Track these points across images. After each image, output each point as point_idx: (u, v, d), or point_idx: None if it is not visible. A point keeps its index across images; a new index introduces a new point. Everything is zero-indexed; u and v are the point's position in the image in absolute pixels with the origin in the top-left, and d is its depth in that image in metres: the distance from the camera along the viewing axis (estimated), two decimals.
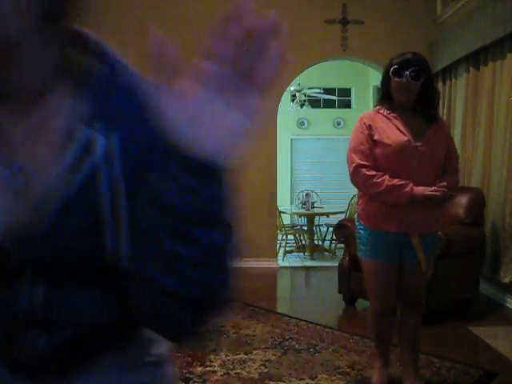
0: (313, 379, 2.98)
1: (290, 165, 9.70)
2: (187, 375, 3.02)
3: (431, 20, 6.03)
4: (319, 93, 8.60)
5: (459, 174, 2.72)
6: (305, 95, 8.62)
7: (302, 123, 9.76)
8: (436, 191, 2.42)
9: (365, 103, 9.16)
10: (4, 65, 0.58)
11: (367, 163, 2.47)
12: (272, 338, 3.67)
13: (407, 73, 2.39)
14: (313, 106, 9.15)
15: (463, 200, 4.16)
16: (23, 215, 0.61)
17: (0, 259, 0.63)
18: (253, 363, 3.20)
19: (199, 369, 3.12)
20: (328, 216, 7.49)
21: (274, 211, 6.39)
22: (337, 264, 4.68)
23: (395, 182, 2.42)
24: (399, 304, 2.69)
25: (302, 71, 6.36)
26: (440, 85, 5.75)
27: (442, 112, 5.58)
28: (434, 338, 3.55)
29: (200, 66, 0.52)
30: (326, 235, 7.78)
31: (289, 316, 4.22)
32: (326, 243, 7.63)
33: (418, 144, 2.44)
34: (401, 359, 2.80)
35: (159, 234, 0.57)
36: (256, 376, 3.03)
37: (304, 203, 7.50)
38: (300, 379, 2.98)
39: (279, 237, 7.00)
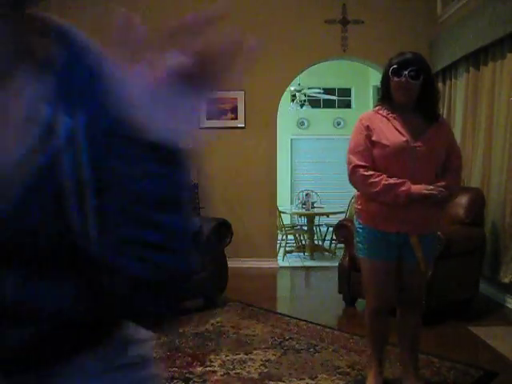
0: (313, 379, 2.98)
1: (290, 165, 9.70)
2: (187, 375, 3.02)
3: (431, 20, 6.03)
4: (319, 93, 8.61)
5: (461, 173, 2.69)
6: (305, 95, 8.62)
7: (302, 123, 9.76)
8: (433, 190, 2.41)
9: (365, 103, 9.16)
10: None
11: (365, 164, 2.47)
12: (272, 337, 3.67)
13: (406, 72, 2.39)
14: (313, 106, 9.15)
15: (463, 200, 4.16)
16: None
17: None
18: (253, 363, 3.20)
19: (199, 369, 3.12)
20: (328, 216, 7.49)
21: (273, 211, 6.39)
22: (337, 264, 4.69)
23: (392, 181, 2.41)
24: (398, 304, 2.69)
25: (302, 71, 6.37)
26: (440, 85, 5.74)
27: (442, 112, 5.57)
28: (434, 338, 3.55)
29: (163, 51, 0.54)
30: (325, 235, 7.78)
31: (289, 316, 4.22)
32: (326, 243, 7.63)
33: (417, 144, 2.44)
34: (401, 359, 2.80)
35: (123, 220, 0.58)
36: (256, 376, 3.03)
37: (304, 203, 7.50)
38: (300, 379, 2.98)
39: (279, 237, 7.00)
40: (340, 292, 4.57)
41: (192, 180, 0.61)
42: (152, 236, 0.58)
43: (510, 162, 4.38)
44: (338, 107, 9.70)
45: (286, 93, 6.81)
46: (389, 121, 2.49)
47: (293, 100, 8.77)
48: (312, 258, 7.09)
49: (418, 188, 2.40)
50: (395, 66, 2.42)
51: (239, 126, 6.18)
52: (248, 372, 3.08)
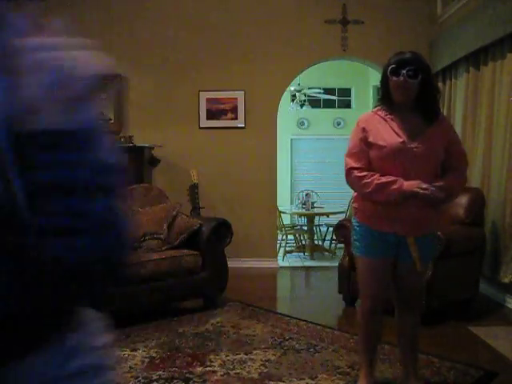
0: (313, 379, 2.98)
1: (290, 165, 9.70)
2: (187, 375, 3.02)
3: (431, 20, 6.04)
4: (319, 93, 8.61)
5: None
6: (305, 95, 8.62)
7: (302, 123, 9.76)
8: (426, 190, 2.36)
9: (365, 103, 9.16)
10: None
11: (359, 165, 2.47)
12: (272, 337, 3.67)
13: (404, 72, 2.39)
14: (313, 106, 9.15)
15: (463, 200, 4.16)
16: None
17: None
18: (253, 363, 3.20)
19: (199, 369, 3.12)
20: (328, 216, 7.49)
21: (273, 211, 6.39)
22: (337, 264, 4.69)
23: (384, 179, 2.40)
24: (396, 304, 2.69)
25: (302, 71, 6.37)
26: (440, 85, 5.74)
27: (442, 112, 5.57)
28: (434, 338, 3.55)
29: None
30: (325, 235, 7.79)
31: (289, 316, 4.22)
32: (326, 243, 7.63)
33: (414, 145, 2.42)
34: (400, 359, 2.80)
35: (44, 207, 0.58)
36: (256, 376, 3.03)
37: (304, 203, 7.51)
38: (300, 379, 2.98)
39: (279, 237, 7.00)
40: (340, 292, 4.58)
41: (118, 162, 0.63)
42: (74, 221, 0.59)
43: (510, 162, 4.39)
44: (338, 107, 9.70)
45: (286, 93, 6.82)
46: (386, 122, 2.48)
47: (293, 100, 8.77)
48: (312, 258, 7.09)
49: (410, 185, 2.37)
50: (393, 66, 2.42)
51: (239, 125, 6.18)
52: (248, 372, 3.07)
